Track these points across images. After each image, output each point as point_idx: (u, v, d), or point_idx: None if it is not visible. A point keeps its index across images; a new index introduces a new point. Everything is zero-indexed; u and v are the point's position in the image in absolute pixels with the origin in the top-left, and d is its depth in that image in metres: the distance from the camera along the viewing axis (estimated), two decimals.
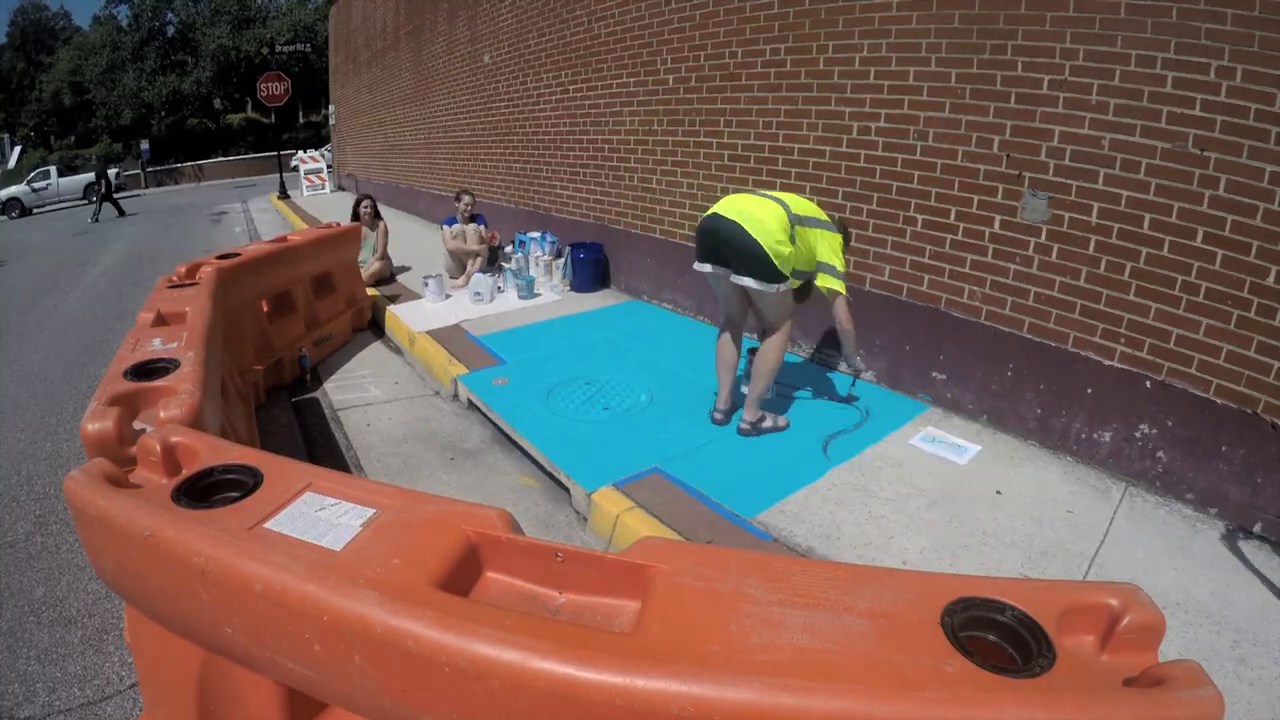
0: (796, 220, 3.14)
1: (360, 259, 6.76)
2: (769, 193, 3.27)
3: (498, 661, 1.03)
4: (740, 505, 2.83)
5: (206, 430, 1.95)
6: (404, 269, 7.55)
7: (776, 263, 3.03)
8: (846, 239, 3.43)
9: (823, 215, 3.27)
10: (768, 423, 3.45)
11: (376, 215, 7.28)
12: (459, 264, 6.91)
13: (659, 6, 5.23)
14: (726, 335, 3.52)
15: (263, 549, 1.28)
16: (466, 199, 6.84)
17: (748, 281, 3.11)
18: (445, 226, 6.90)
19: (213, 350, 2.75)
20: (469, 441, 3.77)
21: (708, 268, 3.33)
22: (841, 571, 1.21)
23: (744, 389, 3.50)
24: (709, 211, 3.27)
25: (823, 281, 3.26)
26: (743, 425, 3.42)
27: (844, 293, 3.25)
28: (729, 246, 3.11)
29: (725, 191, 4.89)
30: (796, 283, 3.23)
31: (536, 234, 6.94)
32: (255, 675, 1.41)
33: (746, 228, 3.04)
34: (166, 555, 1.33)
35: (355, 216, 7.21)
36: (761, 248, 3.01)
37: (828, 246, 3.22)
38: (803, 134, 4.24)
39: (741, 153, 4.71)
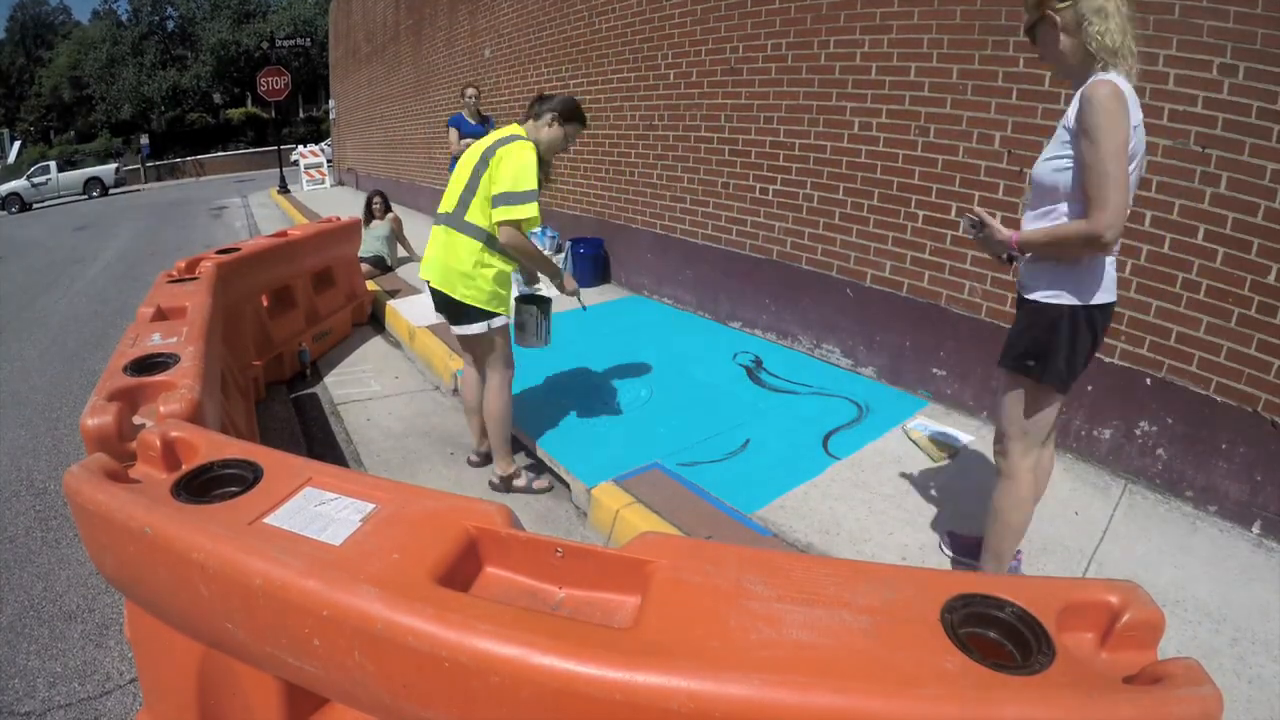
0: (466, 200, 2.86)
1: (367, 251, 6.82)
2: (449, 210, 2.94)
3: (498, 657, 1.03)
4: (740, 501, 2.84)
5: (206, 425, 1.95)
6: (405, 260, 7.55)
7: (473, 288, 2.85)
8: (567, 115, 2.98)
9: (505, 134, 2.91)
10: (521, 481, 3.17)
11: (386, 208, 7.47)
12: None
13: (660, 1, 5.22)
14: (470, 374, 3.23)
15: (262, 544, 1.28)
16: (471, 92, 6.50)
17: (457, 330, 2.99)
18: (454, 128, 6.50)
19: (212, 345, 2.75)
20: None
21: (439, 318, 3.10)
22: (841, 567, 1.21)
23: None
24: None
25: (497, 218, 2.78)
26: (493, 479, 3.20)
27: (520, 221, 2.78)
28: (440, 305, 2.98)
29: (726, 187, 4.89)
30: (511, 262, 2.99)
31: (536, 229, 6.93)
32: (255, 670, 1.41)
33: (437, 286, 2.91)
34: (166, 550, 1.33)
35: (369, 213, 7.31)
36: (453, 297, 2.86)
37: (506, 169, 2.76)
38: (804, 129, 4.23)
39: (742, 147, 4.70)
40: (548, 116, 2.95)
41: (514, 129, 2.96)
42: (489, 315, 2.92)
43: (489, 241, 2.87)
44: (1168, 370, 2.87)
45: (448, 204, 2.95)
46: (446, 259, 2.88)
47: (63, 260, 10.37)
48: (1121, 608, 1.08)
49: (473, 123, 6.47)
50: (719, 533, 2.64)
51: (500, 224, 2.77)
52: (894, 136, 3.73)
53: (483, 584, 1.36)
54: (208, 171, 33.10)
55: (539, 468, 3.38)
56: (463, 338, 3.01)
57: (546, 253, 6.66)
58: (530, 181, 2.76)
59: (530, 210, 2.77)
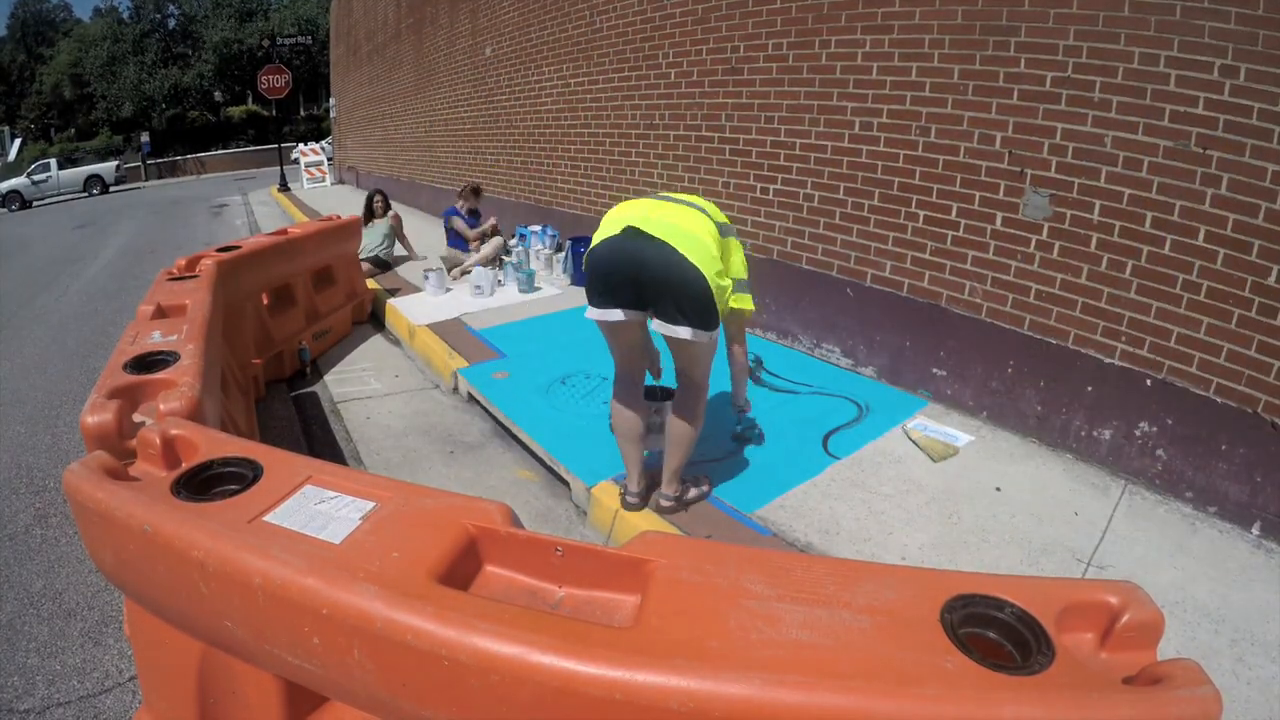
0: (723, 232, 2.46)
1: (367, 248, 6.85)
2: (679, 197, 2.53)
3: (497, 656, 1.03)
4: (740, 500, 2.84)
5: (206, 423, 1.95)
6: (404, 259, 7.55)
7: (717, 300, 2.31)
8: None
9: (725, 218, 2.60)
10: (692, 493, 2.81)
11: (387, 206, 7.54)
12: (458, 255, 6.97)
13: (661, 0, 5.22)
14: (629, 400, 2.72)
15: (262, 542, 1.28)
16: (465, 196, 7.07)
17: (681, 332, 2.32)
18: (459, 220, 7.05)
19: (213, 343, 2.75)
20: (469, 435, 3.77)
21: (618, 314, 2.43)
22: (841, 567, 1.21)
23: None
24: (615, 226, 2.38)
25: (738, 303, 2.52)
26: (664, 503, 2.74)
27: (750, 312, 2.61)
28: (656, 280, 2.29)
29: (727, 187, 4.89)
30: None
31: (537, 227, 6.94)
32: (255, 669, 1.41)
33: (683, 251, 2.25)
34: (166, 548, 1.33)
35: (369, 211, 7.35)
36: (705, 280, 2.25)
37: (739, 257, 2.55)
38: (804, 129, 4.23)
39: (743, 147, 4.70)
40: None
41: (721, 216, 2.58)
42: (718, 321, 2.40)
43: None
44: (1168, 371, 2.87)
45: (698, 208, 2.49)
46: (694, 230, 2.33)
47: (63, 258, 10.37)
48: (1121, 608, 1.08)
49: (466, 216, 7.07)
50: (719, 532, 2.64)
51: (741, 310, 2.57)
52: (895, 136, 3.73)
53: (482, 583, 1.36)
54: (208, 169, 33.09)
55: (696, 467, 2.98)
56: (684, 342, 2.38)
57: (546, 252, 6.68)
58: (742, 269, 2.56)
59: (751, 304, 2.59)
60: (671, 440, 2.64)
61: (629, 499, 2.76)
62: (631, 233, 2.32)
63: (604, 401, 3.77)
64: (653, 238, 2.28)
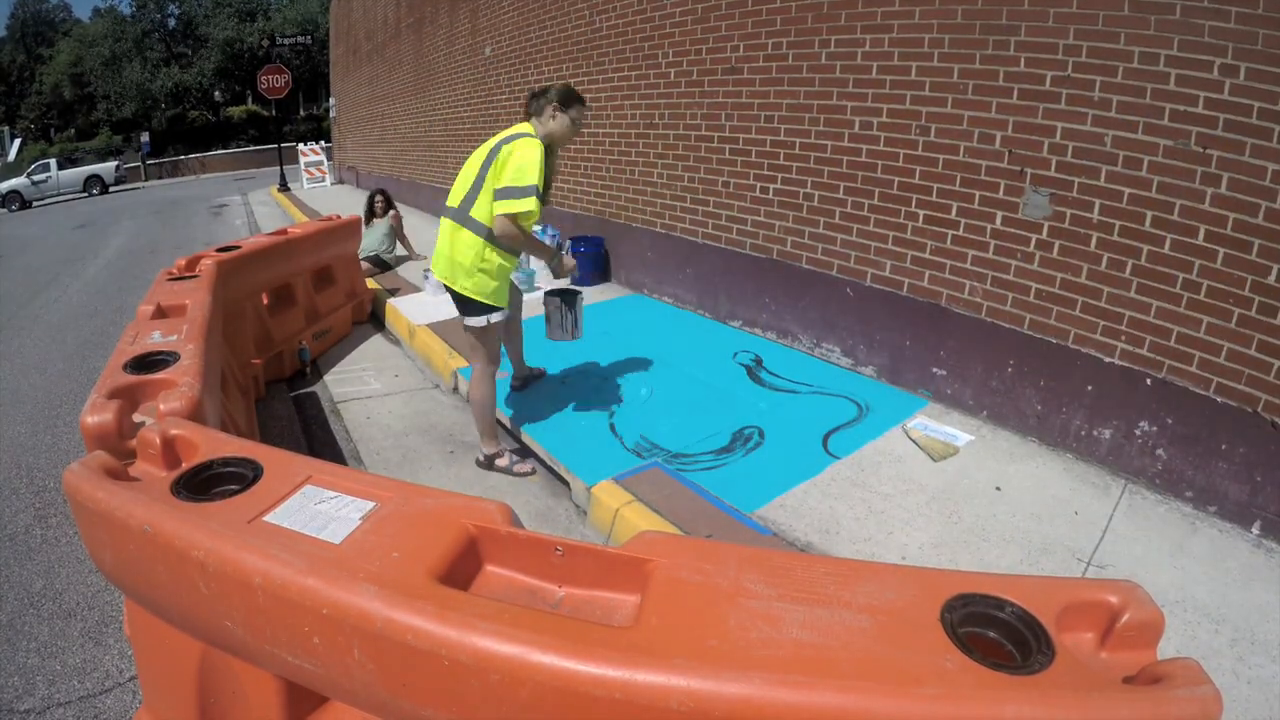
0: (471, 198, 2.95)
1: (367, 247, 6.86)
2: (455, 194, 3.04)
3: (497, 655, 1.03)
4: (740, 500, 2.84)
5: (206, 423, 1.95)
6: (404, 259, 7.55)
7: (473, 296, 2.99)
8: (566, 99, 3.08)
9: (508, 134, 2.98)
10: (502, 460, 3.32)
11: (389, 206, 7.56)
12: None
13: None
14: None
15: (262, 542, 1.28)
16: None
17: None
18: None
19: (212, 343, 2.75)
20: (469, 435, 3.77)
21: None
22: (841, 567, 1.21)
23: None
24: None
25: (498, 210, 2.87)
26: (478, 458, 3.35)
27: (515, 213, 2.86)
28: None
29: (727, 186, 4.89)
30: (510, 259, 3.08)
31: (537, 227, 6.93)
32: (255, 668, 1.41)
33: (436, 275, 3.10)
34: (166, 548, 1.33)
35: (370, 210, 7.37)
36: (456, 290, 3.01)
37: (508, 166, 2.86)
38: (804, 128, 4.23)
39: (743, 146, 4.70)
40: (549, 109, 3.04)
41: (522, 126, 3.04)
42: (489, 309, 3.04)
43: (490, 237, 2.95)
44: (1168, 370, 2.87)
45: (454, 198, 3.04)
46: (451, 253, 3.00)
47: (63, 258, 10.37)
48: (1121, 608, 1.08)
49: None
50: (719, 532, 2.64)
51: (496, 216, 2.87)
52: (895, 136, 3.73)
53: (482, 582, 1.36)
54: (208, 169, 33.09)
55: (524, 453, 3.46)
56: (467, 328, 3.12)
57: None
58: (532, 177, 2.81)
59: (529, 204, 2.83)
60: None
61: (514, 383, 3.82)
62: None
63: (604, 401, 3.77)
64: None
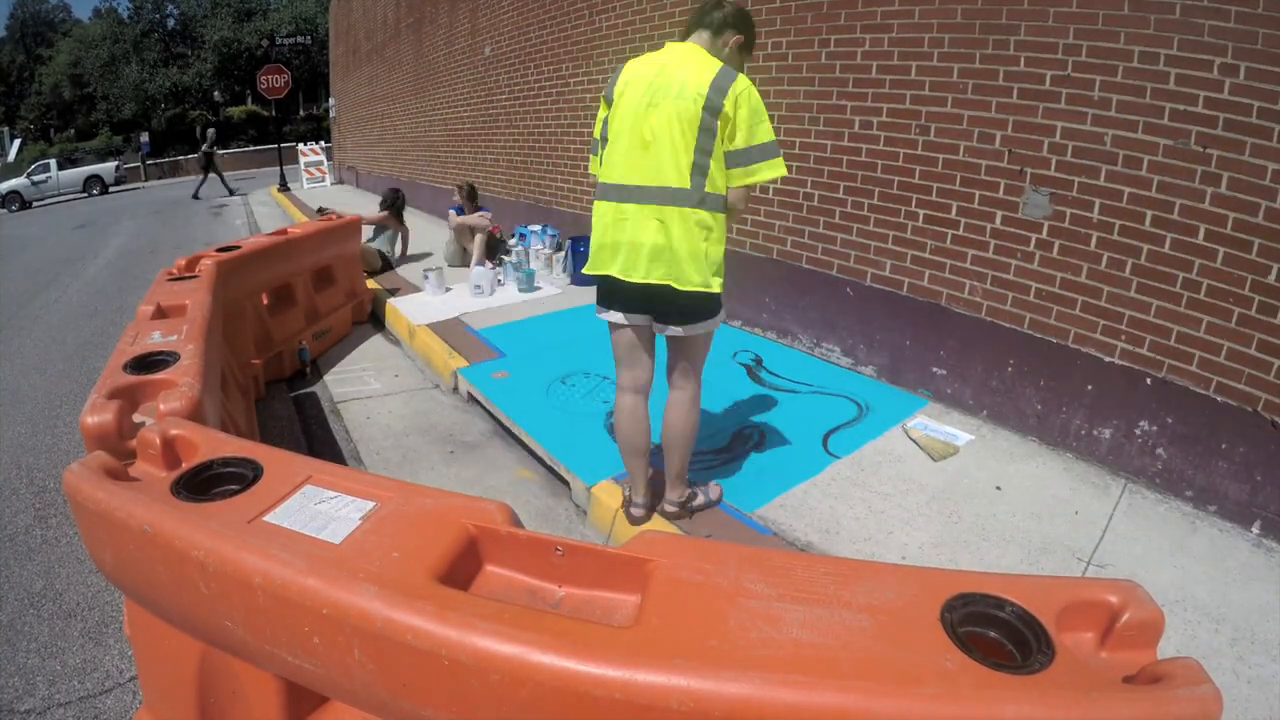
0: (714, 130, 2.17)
1: (380, 244, 7.04)
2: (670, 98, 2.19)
3: (497, 655, 1.03)
4: (740, 500, 2.84)
5: (206, 423, 1.95)
6: (405, 259, 7.55)
7: (707, 298, 2.28)
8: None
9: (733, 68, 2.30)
10: (699, 499, 2.70)
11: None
12: (461, 250, 6.99)
13: None
14: (637, 410, 2.52)
15: (262, 542, 1.28)
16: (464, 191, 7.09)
17: (671, 330, 2.36)
18: (453, 213, 7.08)
19: (213, 343, 2.75)
20: (469, 435, 3.77)
21: (617, 316, 2.43)
22: (841, 566, 1.21)
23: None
24: (606, 212, 2.31)
25: (745, 179, 2.24)
26: (669, 509, 2.64)
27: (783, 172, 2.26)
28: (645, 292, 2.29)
29: None
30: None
31: (537, 227, 6.94)
32: (255, 668, 1.41)
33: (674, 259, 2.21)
34: (166, 549, 1.33)
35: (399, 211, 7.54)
36: (689, 291, 2.23)
37: (747, 134, 2.21)
38: (804, 128, 4.23)
39: None
40: (732, 37, 2.38)
41: (698, 52, 2.29)
42: (716, 309, 2.36)
43: (725, 209, 2.25)
44: (1168, 370, 2.87)
45: (656, 174, 2.20)
46: (675, 244, 2.19)
47: (63, 258, 10.37)
48: (1121, 607, 1.08)
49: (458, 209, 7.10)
50: (718, 531, 2.64)
51: (738, 188, 2.23)
52: (894, 135, 3.73)
53: (482, 582, 1.36)
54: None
55: (701, 476, 2.96)
56: (679, 340, 2.38)
57: (546, 252, 6.68)
58: (768, 131, 2.23)
59: (781, 165, 2.24)
60: (668, 442, 2.53)
61: (633, 510, 2.63)
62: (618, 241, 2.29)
63: (604, 401, 3.77)
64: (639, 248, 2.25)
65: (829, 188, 4.15)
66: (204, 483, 1.53)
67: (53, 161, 24.77)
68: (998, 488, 2.93)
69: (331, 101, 19.78)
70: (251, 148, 34.75)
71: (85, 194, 24.15)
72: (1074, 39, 2.94)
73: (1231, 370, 2.69)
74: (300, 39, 23.35)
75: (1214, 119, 2.61)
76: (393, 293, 6.22)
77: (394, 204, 7.51)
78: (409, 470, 3.41)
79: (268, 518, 1.38)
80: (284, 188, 16.58)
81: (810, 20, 4.08)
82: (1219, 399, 2.73)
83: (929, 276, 3.71)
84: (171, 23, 39.81)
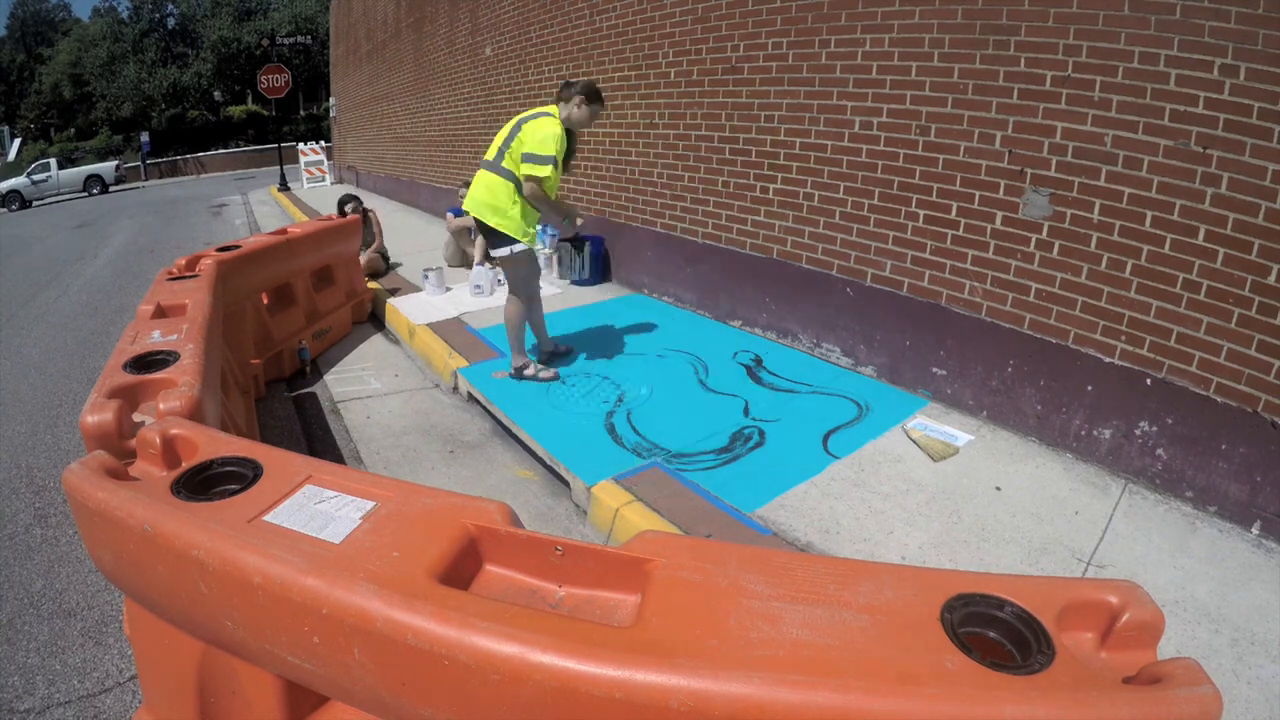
0: (501, 157, 3.70)
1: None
2: (487, 159, 3.80)
3: (497, 655, 1.03)
4: (740, 500, 2.84)
5: (206, 423, 1.95)
6: (401, 263, 7.55)
7: (499, 228, 3.69)
8: (590, 96, 3.70)
9: (535, 111, 3.74)
10: (529, 370, 4.05)
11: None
12: (460, 251, 6.98)
13: None
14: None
15: (262, 542, 1.28)
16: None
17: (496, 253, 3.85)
18: (450, 214, 7.08)
19: (212, 343, 2.75)
20: (469, 434, 3.77)
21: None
22: (841, 566, 1.21)
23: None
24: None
25: (524, 173, 3.63)
26: (509, 372, 4.09)
27: (539, 178, 3.61)
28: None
29: (727, 186, 4.89)
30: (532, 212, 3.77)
31: (536, 229, 6.93)
32: (255, 668, 1.41)
33: (470, 210, 3.77)
34: (166, 548, 1.33)
35: (341, 213, 7.28)
36: (484, 222, 3.72)
37: (532, 136, 3.59)
38: (804, 128, 4.23)
39: (743, 146, 4.70)
40: (577, 98, 3.69)
41: (547, 108, 3.75)
42: (513, 240, 3.74)
43: (515, 183, 3.68)
44: (1168, 370, 2.87)
45: (489, 154, 3.79)
46: (485, 195, 3.72)
47: (63, 258, 10.37)
48: (1121, 607, 1.08)
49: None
50: (718, 531, 2.64)
51: (524, 177, 3.62)
52: (895, 135, 3.73)
53: (482, 582, 1.36)
54: (208, 169, 33.09)
55: (549, 364, 4.23)
56: (496, 258, 3.88)
57: (546, 251, 6.68)
58: (549, 149, 3.55)
59: (546, 170, 3.56)
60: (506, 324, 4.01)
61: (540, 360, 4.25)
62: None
63: (604, 401, 3.77)
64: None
65: (829, 188, 4.15)
66: (204, 482, 1.53)
67: (53, 161, 24.79)
68: (997, 488, 2.93)
69: (332, 101, 19.79)
70: (251, 147, 34.77)
71: (85, 193, 24.16)
72: (1074, 39, 2.94)
73: (1232, 371, 2.69)
74: (300, 39, 23.35)
75: (1214, 119, 2.61)
76: (393, 292, 6.22)
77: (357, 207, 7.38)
78: (409, 470, 3.41)
79: (268, 517, 1.38)
80: (284, 187, 16.58)
81: (811, 20, 4.08)
82: (1219, 399, 2.73)
83: (929, 277, 3.71)
84: (171, 22, 39.81)
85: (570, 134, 3.75)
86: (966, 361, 3.58)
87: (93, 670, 2.22)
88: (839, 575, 1.18)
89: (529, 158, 3.57)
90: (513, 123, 3.72)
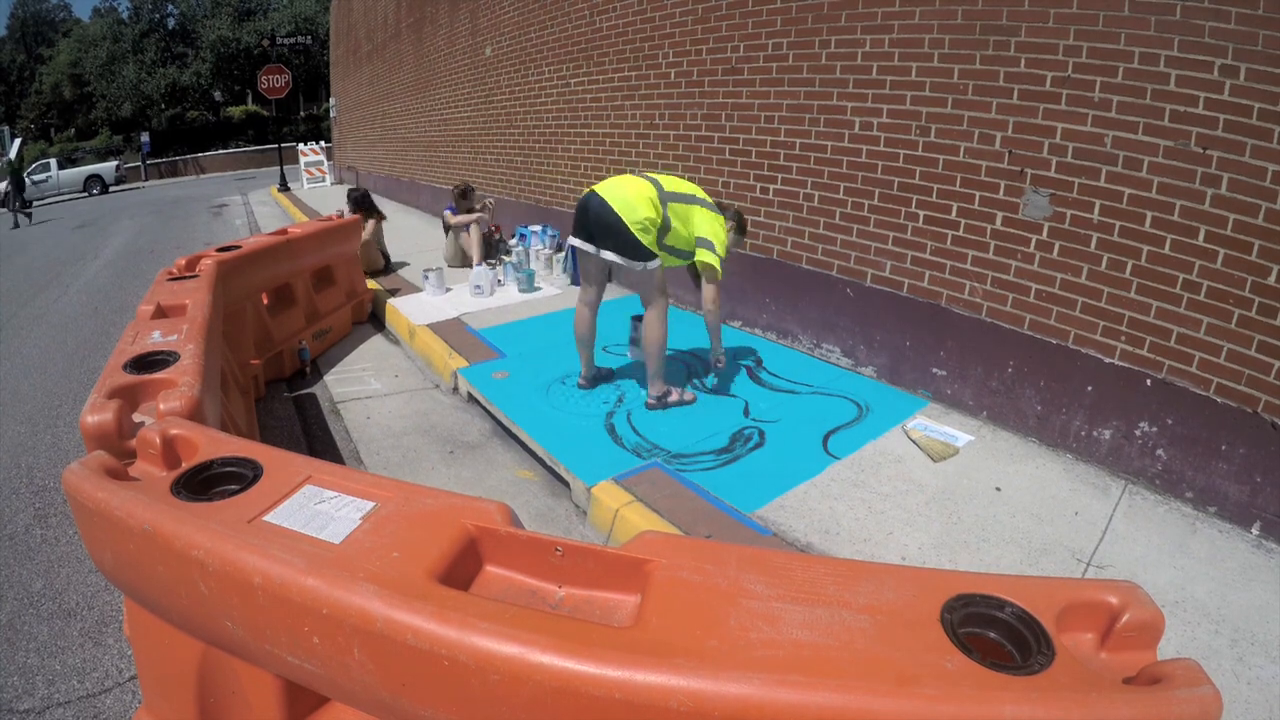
0: (668, 198, 3.39)
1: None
2: (648, 173, 3.54)
3: (497, 655, 1.03)
4: (740, 500, 2.84)
5: (206, 423, 1.95)
6: (402, 264, 7.55)
7: (640, 239, 3.30)
8: (740, 226, 3.72)
9: (702, 194, 3.54)
10: (673, 397, 3.69)
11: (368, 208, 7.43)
12: (460, 251, 6.98)
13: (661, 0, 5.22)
14: (585, 313, 3.79)
15: (262, 542, 1.28)
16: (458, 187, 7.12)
17: (612, 256, 3.39)
18: (448, 212, 7.08)
19: (213, 343, 2.75)
20: (469, 435, 3.77)
21: (578, 243, 3.53)
22: (841, 567, 1.21)
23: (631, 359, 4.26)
24: (587, 190, 3.48)
25: (700, 257, 3.49)
26: (649, 401, 3.66)
27: (718, 271, 3.48)
28: (597, 224, 3.37)
29: (727, 187, 4.89)
30: (672, 260, 3.55)
31: (537, 227, 6.94)
32: (255, 668, 1.41)
33: (613, 206, 3.31)
34: (166, 548, 1.33)
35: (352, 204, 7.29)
36: (625, 225, 3.28)
37: (707, 224, 3.47)
38: (804, 129, 4.23)
39: (743, 147, 4.70)
40: (731, 223, 3.65)
41: (717, 207, 3.60)
42: (652, 256, 3.41)
43: (664, 228, 3.43)
44: (1168, 371, 2.87)
45: (648, 179, 3.48)
46: (633, 199, 3.33)
47: (63, 258, 10.37)
48: (1121, 608, 1.08)
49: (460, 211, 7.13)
50: (719, 532, 2.64)
51: (703, 264, 3.51)
52: (895, 136, 3.73)
53: (482, 582, 1.36)
54: (208, 169, 33.06)
55: (679, 381, 3.98)
56: (622, 268, 3.49)
57: (546, 252, 6.69)
58: (721, 246, 3.48)
59: (716, 262, 3.47)
60: (645, 351, 3.60)
61: (581, 383, 3.95)
62: (590, 194, 3.43)
63: (604, 401, 3.77)
64: (597, 195, 3.37)
65: (829, 189, 4.15)
66: (204, 482, 1.53)
67: (53, 161, 24.77)
68: (997, 489, 2.93)
69: (332, 101, 19.79)
70: (251, 148, 34.76)
71: (85, 194, 24.14)
72: (1074, 40, 2.94)
73: (1232, 371, 2.69)
74: (300, 39, 23.35)
75: (1214, 120, 2.61)
76: (393, 293, 6.23)
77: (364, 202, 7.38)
78: (409, 470, 3.41)
79: (268, 517, 1.38)
80: (284, 188, 16.58)
81: (811, 21, 4.08)
82: (1219, 400, 2.73)
83: (929, 277, 3.71)
84: (171, 23, 39.81)
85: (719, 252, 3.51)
86: (966, 362, 3.58)
87: (92, 671, 2.22)
88: (839, 575, 1.18)
89: (706, 243, 3.46)
90: (680, 186, 3.50)
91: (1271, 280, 2.54)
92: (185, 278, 3.49)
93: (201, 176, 31.29)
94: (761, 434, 3.38)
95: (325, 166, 17.53)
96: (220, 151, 35.12)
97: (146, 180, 30.52)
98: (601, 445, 3.30)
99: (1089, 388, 3.11)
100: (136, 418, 2.03)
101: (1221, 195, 2.63)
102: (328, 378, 4.66)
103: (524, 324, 5.21)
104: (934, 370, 3.74)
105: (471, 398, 4.12)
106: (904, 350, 3.89)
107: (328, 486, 1.49)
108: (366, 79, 14.99)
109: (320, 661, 1.22)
